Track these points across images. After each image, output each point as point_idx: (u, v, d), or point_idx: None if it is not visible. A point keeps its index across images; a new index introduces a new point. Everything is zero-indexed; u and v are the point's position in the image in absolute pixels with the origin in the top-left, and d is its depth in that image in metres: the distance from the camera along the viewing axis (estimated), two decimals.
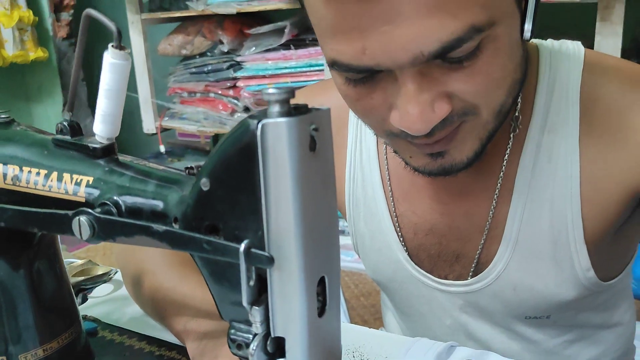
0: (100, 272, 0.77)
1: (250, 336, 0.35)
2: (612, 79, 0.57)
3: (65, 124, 0.44)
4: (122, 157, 0.43)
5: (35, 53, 2.33)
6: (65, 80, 2.48)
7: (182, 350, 0.59)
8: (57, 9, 2.40)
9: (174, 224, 0.37)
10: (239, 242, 0.33)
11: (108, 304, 0.72)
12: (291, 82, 1.77)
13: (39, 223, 0.41)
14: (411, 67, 0.44)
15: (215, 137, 2.22)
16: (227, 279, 0.36)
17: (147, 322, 0.66)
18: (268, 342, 0.35)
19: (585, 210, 0.57)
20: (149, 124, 2.03)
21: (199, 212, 0.35)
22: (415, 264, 0.67)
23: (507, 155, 0.59)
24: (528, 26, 0.47)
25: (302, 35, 1.79)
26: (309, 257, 0.33)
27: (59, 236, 0.55)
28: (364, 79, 0.47)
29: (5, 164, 0.45)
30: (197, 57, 1.92)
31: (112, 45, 0.39)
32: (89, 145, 0.43)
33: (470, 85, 0.46)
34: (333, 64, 0.47)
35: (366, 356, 0.57)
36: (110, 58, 0.40)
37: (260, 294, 0.34)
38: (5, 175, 0.45)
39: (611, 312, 0.70)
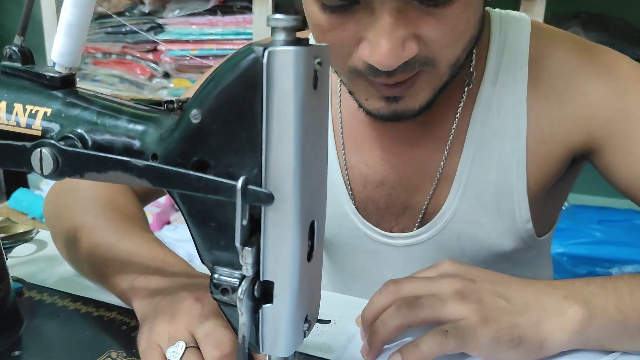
0: (20, 231, 0.70)
1: (236, 281, 0.33)
2: (559, 45, 0.61)
3: (16, 49, 0.39)
4: (84, 91, 0.39)
5: None
6: None
7: (123, 311, 0.56)
8: None
9: (151, 161, 0.34)
10: (233, 179, 0.31)
11: (32, 264, 0.66)
12: (216, 50, 1.70)
13: None
14: (392, 0, 0.45)
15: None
16: (213, 219, 0.33)
17: (81, 283, 0.61)
18: (255, 287, 0.33)
19: (529, 163, 0.61)
20: None
21: (185, 147, 0.33)
22: (363, 217, 0.68)
23: (460, 109, 0.62)
24: None
25: (230, 1, 1.73)
26: (305, 198, 0.32)
27: None
28: (340, 7, 0.49)
29: None
30: (114, 16, 1.80)
31: None
32: (45, 74, 0.38)
33: (438, 32, 0.48)
34: None
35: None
36: None
37: (251, 236, 0.33)
38: None
39: (537, 271, 0.75)
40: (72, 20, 0.36)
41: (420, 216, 0.66)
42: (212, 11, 1.70)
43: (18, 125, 0.37)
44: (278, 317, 0.34)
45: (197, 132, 0.32)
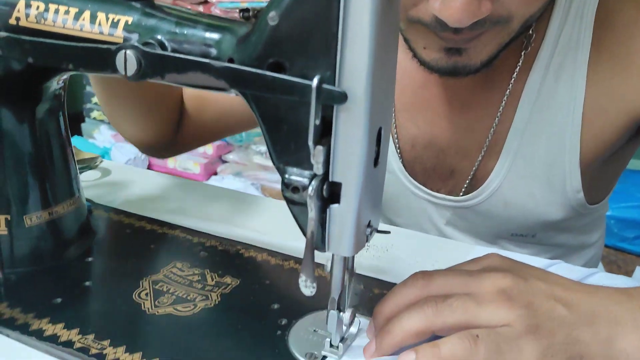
0: (86, 157, 0.74)
1: (306, 180, 0.35)
2: (629, 6, 0.58)
3: None
4: (159, 2, 0.41)
5: None
6: None
7: (185, 230, 0.59)
8: None
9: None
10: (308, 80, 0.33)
11: (97, 188, 0.69)
12: (266, 2, 1.71)
13: (75, 59, 0.38)
14: None
15: None
16: (286, 122, 0.35)
17: (145, 206, 0.64)
18: (324, 187, 0.35)
19: (584, 134, 0.59)
20: None
21: (261, 50, 0.34)
22: (410, 175, 0.68)
23: (515, 73, 0.60)
24: None
25: None
26: (375, 102, 0.33)
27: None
28: None
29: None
30: None
31: None
32: None
33: None
34: None
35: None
36: None
37: (322, 137, 0.34)
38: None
39: (588, 236, 0.74)
40: None
41: (467, 181, 0.65)
42: None
43: (101, 33, 0.39)
44: (344, 217, 0.35)
45: (273, 34, 0.34)
